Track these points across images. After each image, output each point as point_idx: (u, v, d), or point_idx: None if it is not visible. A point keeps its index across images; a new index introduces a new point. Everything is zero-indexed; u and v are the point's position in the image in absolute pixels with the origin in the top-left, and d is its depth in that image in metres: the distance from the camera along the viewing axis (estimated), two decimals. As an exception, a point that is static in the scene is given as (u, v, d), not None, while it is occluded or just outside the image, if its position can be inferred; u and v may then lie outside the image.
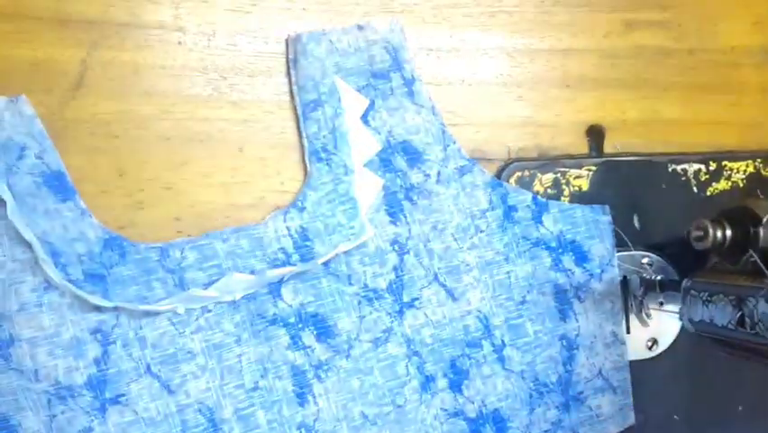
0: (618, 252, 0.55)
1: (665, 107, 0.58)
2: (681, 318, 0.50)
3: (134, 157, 0.47)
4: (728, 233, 0.48)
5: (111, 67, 0.47)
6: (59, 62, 0.46)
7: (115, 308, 0.44)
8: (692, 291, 0.49)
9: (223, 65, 0.49)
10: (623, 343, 0.55)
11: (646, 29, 0.57)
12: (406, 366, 0.50)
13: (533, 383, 0.53)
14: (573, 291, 0.54)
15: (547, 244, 0.53)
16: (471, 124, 0.54)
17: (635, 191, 0.57)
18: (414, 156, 0.51)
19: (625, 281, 0.55)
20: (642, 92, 0.58)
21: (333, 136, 0.49)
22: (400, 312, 0.50)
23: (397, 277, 0.50)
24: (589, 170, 0.56)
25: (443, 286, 0.51)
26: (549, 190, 0.55)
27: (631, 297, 0.55)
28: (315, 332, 0.48)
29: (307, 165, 0.49)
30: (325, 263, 0.48)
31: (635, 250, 0.56)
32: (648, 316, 0.56)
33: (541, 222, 0.53)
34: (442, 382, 0.51)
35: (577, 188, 0.55)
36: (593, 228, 0.54)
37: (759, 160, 0.59)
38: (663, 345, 0.57)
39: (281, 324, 0.48)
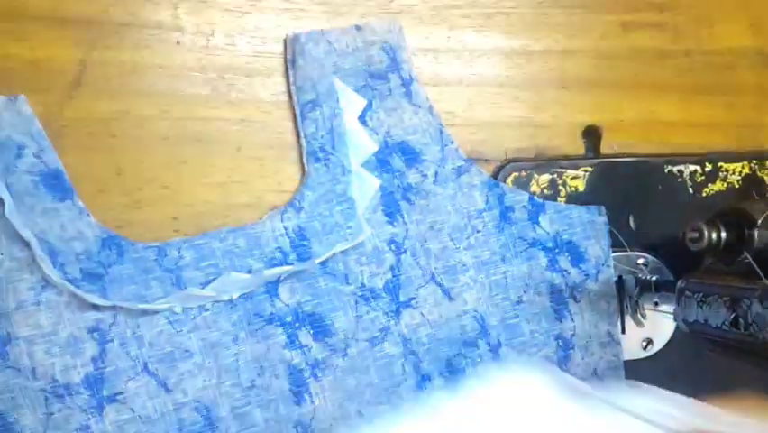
0: (614, 252, 0.55)
1: (662, 109, 0.58)
2: (675, 319, 0.51)
3: (132, 156, 0.47)
4: (723, 234, 0.49)
5: (109, 66, 0.47)
6: (57, 62, 0.46)
7: (113, 307, 0.44)
8: (687, 292, 0.49)
9: (221, 65, 0.49)
10: (618, 343, 0.55)
11: (643, 30, 0.58)
12: (403, 365, 0.51)
13: (528, 383, 0.53)
14: (569, 291, 0.54)
15: (543, 244, 0.54)
16: (469, 125, 0.54)
17: (631, 192, 0.57)
18: (411, 156, 0.51)
19: (620, 282, 0.55)
20: (638, 93, 0.58)
21: (331, 136, 0.49)
22: (397, 312, 0.51)
23: (393, 277, 0.50)
24: (586, 171, 0.56)
25: (440, 286, 0.51)
26: (545, 191, 0.55)
27: (626, 297, 0.55)
28: (311, 331, 0.49)
29: (305, 165, 0.49)
30: (323, 263, 0.48)
31: (630, 250, 0.56)
32: (643, 316, 0.56)
33: (537, 222, 0.54)
34: (438, 382, 0.51)
35: (573, 189, 0.56)
36: (589, 229, 0.55)
37: (755, 161, 0.59)
38: (658, 345, 0.57)
39: (278, 323, 0.48)
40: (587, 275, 0.54)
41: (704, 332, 0.48)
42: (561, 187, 0.55)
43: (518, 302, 0.53)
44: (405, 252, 0.51)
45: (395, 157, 0.51)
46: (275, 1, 0.50)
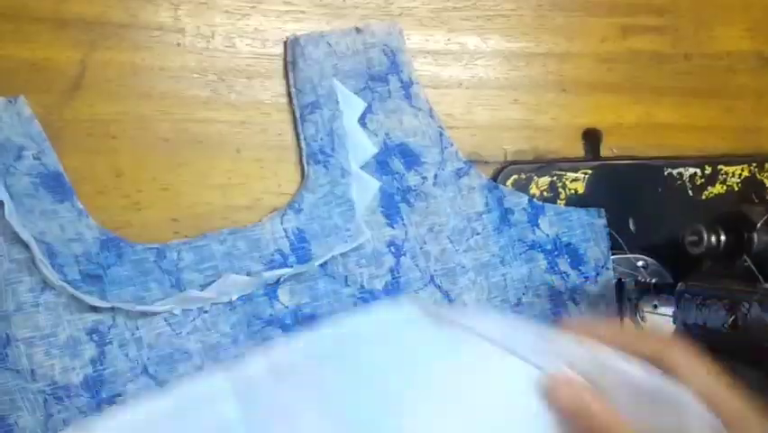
0: (613, 255, 0.55)
1: (661, 112, 0.58)
2: (674, 322, 0.51)
3: (132, 158, 0.47)
4: (722, 238, 0.49)
5: (109, 68, 0.47)
6: (57, 63, 0.46)
7: (112, 309, 0.44)
8: (686, 295, 0.49)
9: (221, 67, 0.49)
10: (617, 346, 0.55)
11: (643, 34, 0.58)
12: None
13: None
14: (568, 294, 0.54)
15: (543, 246, 0.54)
16: (468, 127, 0.54)
17: (630, 195, 0.57)
18: (411, 159, 0.51)
19: (620, 284, 0.55)
20: (638, 96, 0.58)
21: (331, 139, 0.49)
22: (396, 314, 0.51)
23: (393, 279, 0.50)
24: (585, 174, 0.56)
25: (439, 288, 0.51)
26: (545, 193, 0.55)
27: (626, 300, 0.55)
28: (311, 333, 0.49)
29: (305, 167, 0.49)
30: (322, 265, 0.48)
31: (630, 253, 0.56)
32: (642, 319, 0.56)
33: (537, 225, 0.54)
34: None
35: (573, 192, 0.56)
36: (588, 231, 0.55)
37: (754, 164, 0.59)
38: (658, 348, 0.57)
39: (277, 325, 0.48)
40: (586, 278, 0.54)
41: (703, 335, 0.48)
42: (560, 189, 0.55)
43: (517, 304, 0.53)
44: (404, 254, 0.51)
45: (394, 159, 0.51)
46: (275, 3, 0.50)
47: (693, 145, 0.59)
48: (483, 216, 0.52)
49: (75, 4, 0.46)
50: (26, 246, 0.43)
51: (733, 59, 0.60)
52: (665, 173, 0.57)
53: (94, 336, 0.44)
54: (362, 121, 0.50)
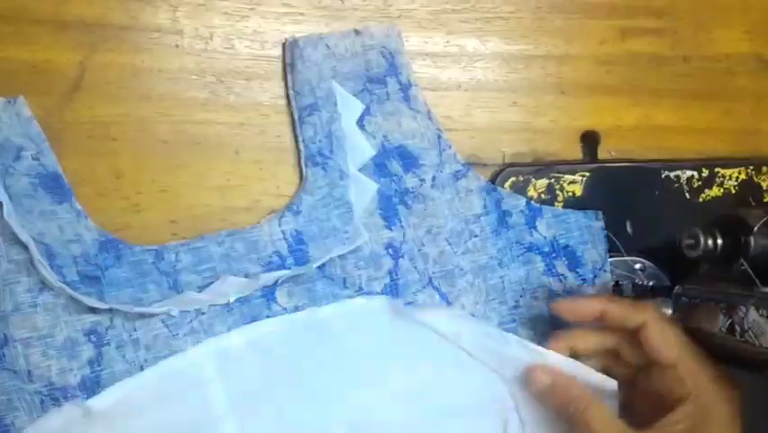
0: (611, 257, 0.55)
1: (659, 114, 0.58)
2: (671, 324, 0.51)
3: (131, 160, 0.47)
4: (719, 241, 0.49)
5: (109, 70, 0.47)
6: (57, 65, 0.46)
7: (110, 310, 0.44)
8: (683, 298, 0.50)
9: (220, 68, 0.49)
10: (614, 348, 0.55)
11: (641, 36, 0.58)
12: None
13: (525, 387, 0.53)
14: (566, 296, 0.54)
15: (540, 248, 0.54)
16: (467, 130, 0.54)
17: (628, 197, 0.57)
18: (409, 161, 0.51)
19: (617, 287, 0.55)
20: (636, 99, 0.58)
21: (329, 141, 0.49)
22: (394, 316, 0.51)
23: (391, 281, 0.50)
24: (583, 176, 0.56)
25: (437, 290, 0.51)
26: (543, 196, 0.55)
27: (623, 302, 0.56)
28: (308, 335, 0.49)
29: (303, 169, 0.50)
30: (320, 267, 0.49)
31: (627, 256, 0.56)
32: (640, 321, 0.56)
33: (534, 227, 0.54)
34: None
35: (571, 194, 0.56)
36: (586, 234, 0.55)
37: (751, 167, 0.59)
38: (655, 350, 0.57)
39: (275, 326, 0.48)
40: (584, 280, 0.54)
41: (700, 338, 0.48)
42: (558, 192, 0.55)
43: (515, 307, 0.53)
44: (402, 256, 0.51)
45: (393, 161, 0.51)
46: (274, 5, 0.50)
47: (692, 148, 0.59)
48: (481, 218, 0.52)
49: (75, 7, 0.47)
50: (25, 247, 0.43)
51: (732, 62, 0.60)
52: (662, 176, 0.57)
53: (91, 337, 0.44)
54: (361, 123, 0.50)
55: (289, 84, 0.50)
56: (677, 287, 0.50)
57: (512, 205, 0.53)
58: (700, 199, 0.58)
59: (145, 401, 0.44)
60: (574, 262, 0.54)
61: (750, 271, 0.47)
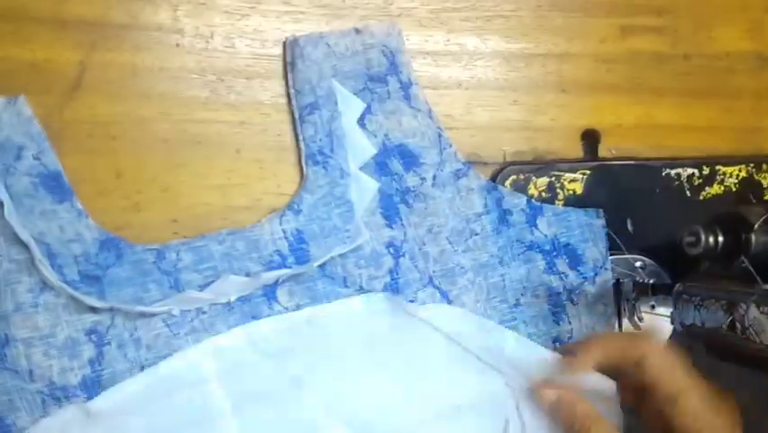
0: (612, 255, 0.55)
1: (660, 112, 0.58)
2: (672, 322, 0.51)
3: (132, 159, 0.47)
4: (720, 239, 0.49)
5: (109, 68, 0.47)
6: (57, 63, 0.46)
7: (111, 310, 0.44)
8: (684, 295, 0.49)
9: (220, 67, 0.49)
10: (615, 346, 0.55)
11: (642, 34, 0.58)
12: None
13: (526, 386, 0.53)
14: (567, 294, 0.54)
15: (541, 247, 0.54)
16: (467, 128, 0.54)
17: (628, 195, 0.57)
18: (410, 159, 0.51)
19: (618, 285, 0.55)
20: (637, 97, 0.58)
21: (330, 139, 0.49)
22: (395, 314, 0.51)
23: (392, 280, 0.50)
24: (584, 174, 0.56)
25: (438, 289, 0.51)
26: (543, 194, 0.55)
27: (624, 300, 0.56)
28: (309, 333, 0.49)
29: (304, 168, 0.50)
30: (321, 266, 0.48)
31: (628, 254, 0.56)
32: (640, 319, 0.56)
33: (535, 225, 0.54)
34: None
35: (571, 192, 0.56)
36: (587, 232, 0.55)
37: (752, 164, 0.59)
38: (655, 348, 0.57)
39: (276, 325, 0.48)
40: (585, 278, 0.55)
41: (700, 335, 0.48)
42: (559, 190, 0.55)
43: (516, 305, 0.53)
44: (403, 255, 0.51)
45: (393, 160, 0.51)
46: (274, 3, 0.50)
47: (692, 146, 0.59)
48: (482, 216, 0.52)
49: (75, 6, 0.46)
50: (25, 247, 0.43)
51: (732, 60, 0.60)
52: (663, 174, 0.57)
53: (92, 336, 0.44)
54: (361, 122, 0.50)
55: (290, 83, 0.50)
56: (678, 285, 0.50)
57: (513, 203, 0.53)
58: (701, 197, 0.58)
59: (145, 401, 0.44)
60: (575, 261, 0.54)
61: (751, 269, 0.47)
